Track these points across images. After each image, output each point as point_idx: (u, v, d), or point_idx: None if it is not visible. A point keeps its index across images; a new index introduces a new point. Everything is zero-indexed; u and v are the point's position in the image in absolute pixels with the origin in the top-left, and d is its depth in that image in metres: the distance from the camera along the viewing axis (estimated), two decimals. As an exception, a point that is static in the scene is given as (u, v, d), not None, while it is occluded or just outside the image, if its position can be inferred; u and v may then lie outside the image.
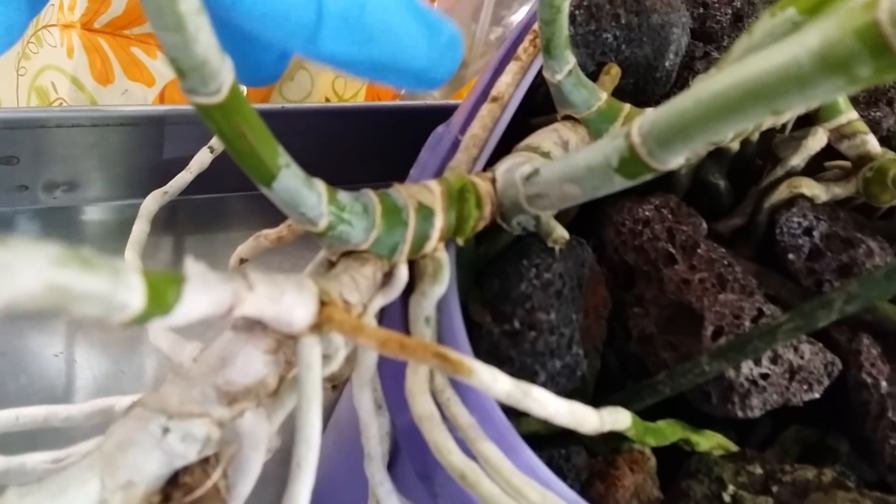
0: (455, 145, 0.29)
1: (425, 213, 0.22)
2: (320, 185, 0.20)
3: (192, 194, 0.56)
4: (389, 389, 0.25)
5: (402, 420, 0.24)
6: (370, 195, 0.22)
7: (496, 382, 0.19)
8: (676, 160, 0.19)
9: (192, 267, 0.15)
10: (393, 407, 0.25)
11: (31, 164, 0.51)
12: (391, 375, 0.25)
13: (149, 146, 0.53)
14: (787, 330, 0.22)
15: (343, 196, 0.21)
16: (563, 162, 0.22)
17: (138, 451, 0.18)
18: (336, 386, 0.30)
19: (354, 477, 0.36)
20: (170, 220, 0.58)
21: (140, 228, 0.37)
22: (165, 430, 0.18)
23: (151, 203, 0.38)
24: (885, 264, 0.20)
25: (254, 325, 0.19)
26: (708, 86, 0.17)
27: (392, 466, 0.27)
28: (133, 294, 0.13)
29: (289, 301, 0.18)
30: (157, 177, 0.38)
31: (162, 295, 0.14)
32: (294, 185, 0.20)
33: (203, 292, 0.15)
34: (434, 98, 0.74)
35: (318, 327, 0.19)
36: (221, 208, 0.58)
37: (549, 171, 0.22)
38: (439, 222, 0.23)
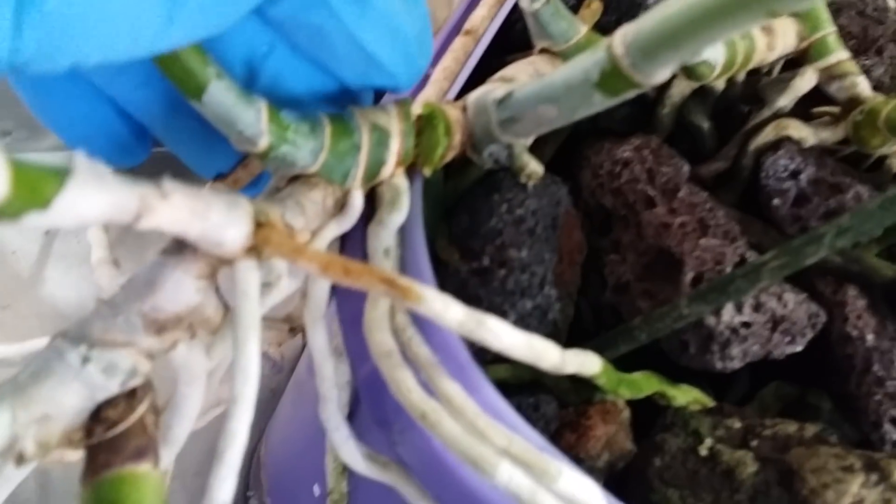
0: (425, 79, 0.27)
1: (380, 135, 0.21)
2: (260, 102, 0.19)
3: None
4: (349, 335, 0.23)
5: (363, 368, 0.23)
6: (320, 115, 0.20)
7: (448, 310, 0.17)
8: (662, 73, 0.18)
9: (81, 161, 0.13)
10: (353, 354, 0.24)
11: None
12: (351, 320, 0.23)
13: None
14: (773, 268, 0.20)
15: (287, 115, 0.19)
16: (539, 82, 0.20)
17: (55, 382, 0.16)
18: (293, 329, 0.28)
19: (313, 436, 0.34)
20: (136, 170, 0.55)
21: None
22: (85, 360, 0.16)
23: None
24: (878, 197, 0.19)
25: (183, 249, 0.17)
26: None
27: (352, 420, 0.25)
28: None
29: (217, 217, 0.16)
30: None
31: (34, 184, 0.12)
32: (227, 98, 0.18)
33: (95, 190, 0.13)
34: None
35: (255, 250, 0.17)
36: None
37: (524, 93, 0.21)
38: (396, 146, 0.21)
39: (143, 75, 0.20)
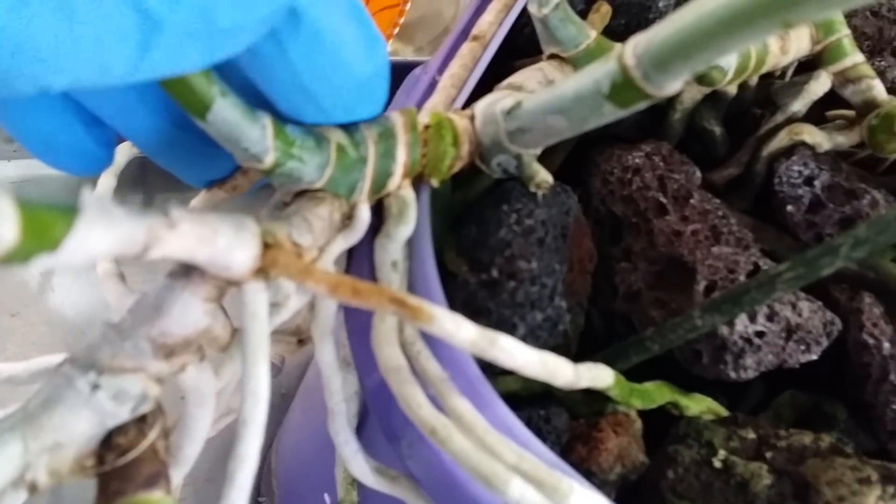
0: (432, 86, 0.27)
1: (386, 147, 0.20)
2: (265, 118, 0.18)
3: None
4: (357, 346, 0.23)
5: (371, 380, 0.22)
6: (326, 129, 0.20)
7: (460, 330, 0.17)
8: (674, 84, 0.17)
9: (89, 198, 0.13)
10: (361, 365, 0.23)
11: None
12: (359, 331, 0.23)
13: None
14: (788, 279, 0.20)
15: (292, 130, 0.19)
16: (549, 92, 0.20)
17: (65, 410, 0.16)
18: (302, 341, 0.28)
19: (323, 445, 0.34)
20: (139, 178, 0.55)
21: (105, 183, 0.35)
22: (95, 387, 0.16)
23: (119, 157, 0.36)
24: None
25: (191, 272, 0.17)
26: (712, -5, 0.15)
27: (361, 431, 0.25)
28: (4, 224, 0.11)
29: (224, 242, 0.16)
30: None
31: (45, 227, 0.12)
32: (232, 116, 0.17)
33: (104, 227, 0.13)
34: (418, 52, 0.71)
35: (263, 272, 0.17)
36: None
37: (533, 103, 0.20)
38: (402, 157, 0.21)
39: (135, 94, 0.20)
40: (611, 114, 0.19)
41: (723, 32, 0.16)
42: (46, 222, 0.12)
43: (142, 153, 0.38)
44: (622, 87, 0.18)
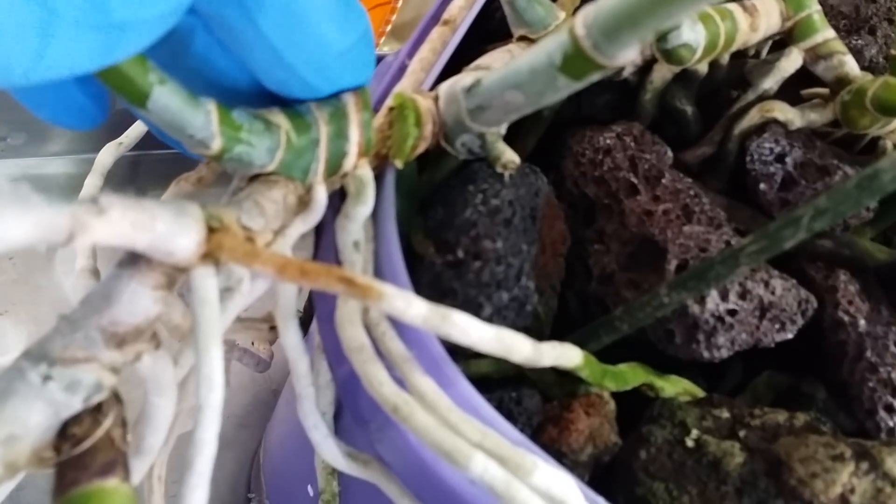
0: (402, 70, 0.27)
1: (338, 127, 0.20)
2: (209, 104, 0.18)
3: (153, 149, 0.54)
4: (326, 332, 0.23)
5: (342, 367, 0.22)
6: (274, 112, 0.20)
7: (410, 307, 0.17)
8: (625, 54, 0.17)
9: (2, 185, 0.13)
10: (330, 351, 0.23)
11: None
12: (327, 317, 0.22)
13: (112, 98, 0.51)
14: (751, 252, 0.20)
15: (238, 115, 0.19)
16: (505, 68, 0.20)
17: (18, 402, 0.16)
18: (273, 327, 0.28)
19: (305, 437, 0.34)
20: (130, 176, 0.55)
21: (92, 183, 0.35)
22: (46, 378, 0.16)
23: (106, 156, 0.35)
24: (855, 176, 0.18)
25: (138, 260, 0.17)
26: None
27: (338, 420, 0.25)
28: None
29: (163, 228, 0.16)
30: (118, 130, 0.35)
31: None
32: (173, 103, 0.17)
33: (17, 214, 0.13)
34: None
35: (212, 256, 0.17)
36: (183, 164, 0.55)
37: (491, 80, 0.20)
38: (355, 136, 0.20)
39: None
40: (565, 86, 0.18)
41: (668, -1, 0.16)
42: None
43: (134, 152, 0.38)
44: (574, 59, 0.18)
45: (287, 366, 0.47)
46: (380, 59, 0.34)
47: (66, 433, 0.16)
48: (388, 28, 0.67)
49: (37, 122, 0.52)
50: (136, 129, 0.35)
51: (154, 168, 0.56)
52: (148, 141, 0.33)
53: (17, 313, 0.48)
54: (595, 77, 0.18)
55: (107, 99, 0.22)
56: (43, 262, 0.51)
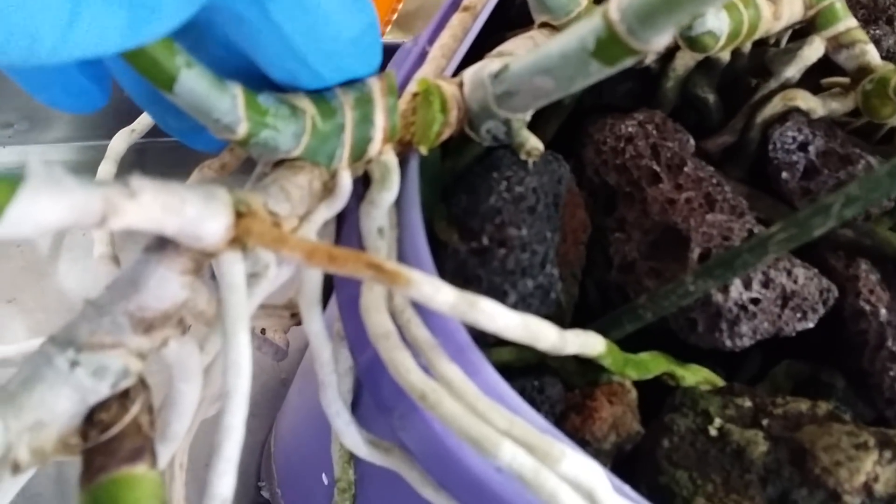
0: (422, 57, 0.27)
1: (364, 112, 0.20)
2: (235, 88, 0.18)
3: (161, 137, 0.53)
4: (348, 319, 0.23)
5: (363, 351, 0.22)
6: (299, 97, 0.19)
7: (438, 293, 0.17)
8: (659, 39, 0.17)
9: (37, 167, 0.13)
10: (352, 337, 0.23)
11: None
12: (349, 303, 0.22)
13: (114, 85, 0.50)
14: (780, 240, 0.20)
15: (264, 99, 0.19)
16: (535, 53, 0.20)
17: (45, 388, 0.16)
18: (295, 314, 0.28)
19: (320, 425, 0.34)
20: (137, 164, 0.55)
21: (106, 170, 0.35)
22: (74, 364, 0.16)
23: (119, 143, 0.35)
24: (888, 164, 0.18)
25: (166, 245, 0.17)
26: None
27: (356, 406, 0.25)
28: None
29: (193, 212, 0.16)
30: (123, 117, 0.35)
31: None
32: (199, 86, 0.17)
33: (52, 196, 0.13)
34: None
35: (239, 241, 0.17)
36: (190, 152, 0.55)
37: (520, 65, 0.20)
38: (381, 122, 0.20)
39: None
40: (597, 72, 0.18)
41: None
42: None
43: (141, 139, 0.38)
44: (607, 44, 0.18)
45: (297, 355, 0.47)
46: (395, 47, 0.34)
47: (93, 419, 0.16)
48: (395, 17, 0.67)
49: (39, 110, 0.52)
50: (148, 117, 0.35)
51: (161, 156, 0.56)
52: (154, 129, 0.33)
53: (24, 301, 0.48)
54: (628, 62, 0.18)
55: (108, 82, 0.21)
56: (50, 250, 0.50)
